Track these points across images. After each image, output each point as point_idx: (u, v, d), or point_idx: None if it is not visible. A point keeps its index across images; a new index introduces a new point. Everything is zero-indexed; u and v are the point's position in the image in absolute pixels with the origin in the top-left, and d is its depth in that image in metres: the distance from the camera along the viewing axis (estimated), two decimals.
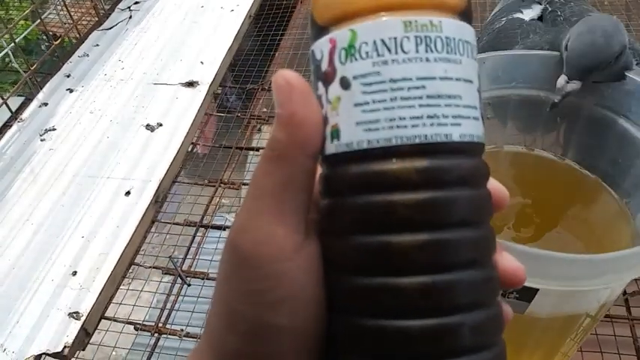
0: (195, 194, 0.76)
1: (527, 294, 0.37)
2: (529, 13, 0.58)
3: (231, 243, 0.19)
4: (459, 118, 0.19)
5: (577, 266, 0.34)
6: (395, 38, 0.18)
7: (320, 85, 0.20)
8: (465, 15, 0.20)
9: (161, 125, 0.81)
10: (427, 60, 0.18)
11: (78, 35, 1.00)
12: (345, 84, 0.19)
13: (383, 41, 0.18)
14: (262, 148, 0.80)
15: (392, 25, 0.18)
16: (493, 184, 0.21)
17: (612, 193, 0.48)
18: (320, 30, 0.20)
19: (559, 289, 0.36)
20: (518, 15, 0.58)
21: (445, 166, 0.18)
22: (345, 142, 0.19)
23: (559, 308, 0.39)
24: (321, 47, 0.19)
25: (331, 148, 0.19)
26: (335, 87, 0.19)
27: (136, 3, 1.08)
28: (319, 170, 0.20)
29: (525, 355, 0.46)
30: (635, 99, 0.45)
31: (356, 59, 0.18)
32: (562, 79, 0.42)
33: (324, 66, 0.19)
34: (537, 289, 0.36)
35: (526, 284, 0.36)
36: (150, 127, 0.81)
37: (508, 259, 0.21)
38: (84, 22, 1.06)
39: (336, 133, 0.19)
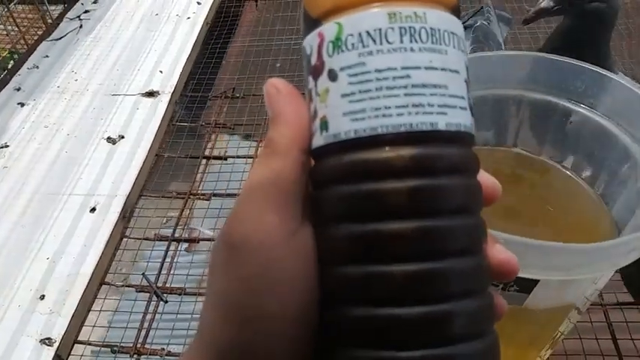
0: (164, 207, 0.74)
1: (527, 286, 0.38)
2: None
3: (224, 232, 0.20)
4: (444, 107, 0.19)
5: (578, 255, 0.35)
6: (380, 29, 0.19)
7: (310, 79, 0.20)
8: (451, 7, 0.20)
9: (123, 137, 0.78)
10: (412, 50, 0.19)
11: (26, 46, 0.95)
12: (332, 76, 0.19)
13: (368, 33, 0.19)
14: (231, 157, 0.79)
15: (377, 17, 0.19)
16: (485, 177, 0.21)
17: (587, 186, 0.50)
18: (309, 26, 0.20)
19: (559, 279, 0.37)
20: None
21: (431, 154, 0.19)
22: (333, 133, 0.19)
23: (555, 300, 0.40)
24: (310, 42, 0.20)
25: (320, 139, 0.20)
26: (323, 79, 0.19)
27: (86, 12, 1.04)
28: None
29: (515, 348, 0.47)
30: (608, 94, 0.47)
31: (342, 51, 0.19)
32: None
33: (314, 60, 0.20)
34: (537, 281, 0.37)
35: (526, 276, 0.37)
36: (111, 140, 0.78)
37: (500, 250, 0.21)
38: (30, 33, 1.01)
39: (324, 125, 0.19)
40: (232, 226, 0.19)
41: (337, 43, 0.19)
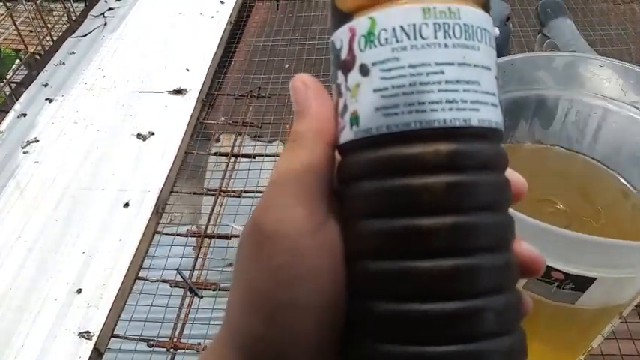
0: (195, 204, 0.74)
1: (583, 283, 0.38)
2: None
3: (254, 221, 0.20)
4: (477, 103, 0.19)
5: (634, 253, 0.36)
6: (414, 25, 0.19)
7: (339, 73, 0.20)
8: (482, 3, 0.20)
9: (153, 134, 0.79)
10: (446, 46, 0.19)
11: (51, 42, 0.96)
12: (364, 71, 0.19)
13: (402, 28, 0.19)
14: (259, 155, 0.80)
15: (411, 12, 0.19)
16: (511, 175, 0.22)
17: (629, 187, 0.50)
18: (339, 20, 0.20)
19: (615, 276, 0.37)
20: None
21: (464, 150, 0.19)
22: (364, 128, 0.19)
23: (606, 299, 0.41)
24: (340, 37, 0.20)
25: (350, 134, 0.20)
26: (354, 74, 0.19)
27: (110, 10, 1.04)
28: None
29: (560, 347, 0.48)
30: None
31: (375, 46, 0.19)
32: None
33: (344, 54, 0.20)
34: (595, 278, 0.37)
35: (583, 273, 0.38)
36: (141, 137, 0.78)
37: (527, 247, 0.21)
38: (55, 29, 1.01)
39: (355, 120, 0.19)
40: (261, 216, 0.20)
41: (370, 38, 0.19)
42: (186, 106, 0.83)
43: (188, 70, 0.90)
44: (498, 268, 0.19)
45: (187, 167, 0.79)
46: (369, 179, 0.19)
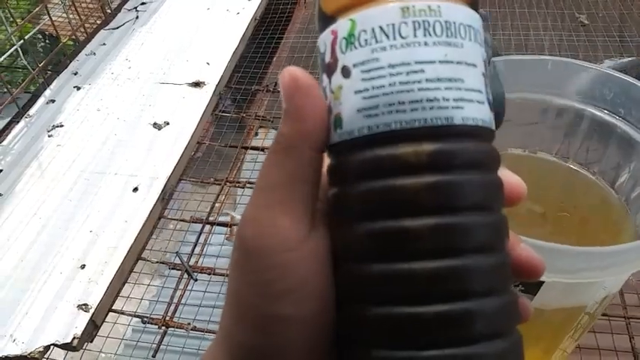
0: (201, 192, 0.77)
1: (532, 287, 0.39)
2: None
3: (239, 235, 0.19)
4: (460, 101, 0.18)
5: (582, 258, 0.36)
6: (393, 24, 0.18)
7: (324, 76, 0.20)
8: (469, 1, 0.20)
9: (168, 124, 0.83)
10: (426, 44, 0.18)
11: (85, 34, 1.01)
12: (346, 72, 0.19)
13: (381, 28, 0.18)
14: (268, 148, 0.82)
15: (390, 12, 0.18)
16: (509, 176, 0.21)
17: (613, 193, 0.50)
18: (323, 24, 0.20)
19: (564, 281, 0.38)
20: None
21: (447, 149, 0.18)
22: (347, 130, 0.19)
23: (562, 302, 0.41)
24: (324, 39, 0.20)
25: (335, 137, 0.19)
26: (337, 77, 0.19)
27: (143, 4, 1.09)
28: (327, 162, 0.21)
29: (525, 349, 0.48)
30: (634, 103, 0.47)
31: (355, 47, 0.19)
32: None
33: (327, 57, 0.20)
34: (542, 282, 0.38)
35: None
36: (157, 126, 0.82)
37: (525, 249, 0.21)
38: (90, 22, 1.07)
39: (339, 122, 0.19)
40: (245, 228, 0.19)
41: (350, 40, 0.19)
42: (203, 98, 0.87)
43: (208, 63, 0.93)
44: (488, 268, 0.19)
45: (198, 157, 0.82)
46: (353, 182, 0.19)
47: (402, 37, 0.18)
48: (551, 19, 1.00)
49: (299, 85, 0.19)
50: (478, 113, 0.19)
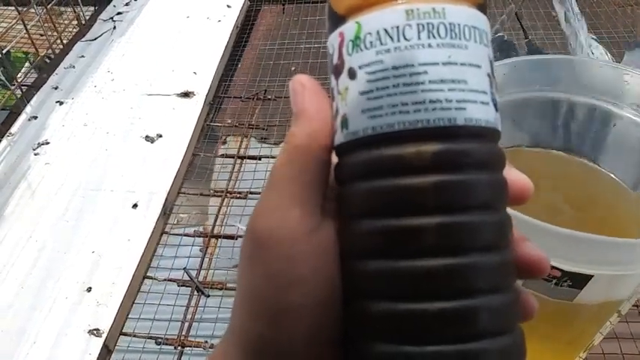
0: (202, 204, 0.75)
1: (581, 281, 0.39)
2: None
3: (250, 228, 0.20)
4: (463, 102, 0.19)
5: (632, 250, 0.36)
6: (397, 27, 0.19)
7: (332, 78, 0.21)
8: (476, 3, 0.20)
9: (161, 136, 0.80)
10: (429, 46, 0.19)
11: (62, 46, 0.97)
12: (352, 74, 0.20)
13: (386, 30, 0.19)
14: (265, 157, 0.81)
15: (394, 15, 0.19)
16: (516, 175, 0.22)
17: (625, 186, 0.51)
18: (332, 26, 0.21)
19: (612, 273, 0.38)
20: None
21: (450, 149, 0.19)
22: (352, 131, 0.19)
23: (604, 295, 0.42)
24: (332, 42, 0.21)
25: (341, 137, 0.20)
26: (344, 78, 0.20)
27: (119, 14, 1.06)
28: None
29: (560, 344, 0.48)
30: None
31: (361, 49, 0.19)
32: None
33: (335, 59, 0.20)
34: (591, 276, 0.38)
35: (580, 270, 0.38)
36: (149, 139, 0.80)
37: (531, 247, 0.21)
38: (66, 33, 1.03)
39: (345, 123, 0.20)
40: (257, 221, 0.20)
41: (356, 42, 0.19)
42: (194, 108, 0.85)
43: (195, 73, 0.91)
44: (491, 267, 0.19)
45: (194, 169, 0.80)
46: (358, 181, 0.19)
47: (406, 40, 0.19)
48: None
49: (306, 89, 0.21)
50: (482, 114, 0.19)
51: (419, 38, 0.19)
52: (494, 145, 0.20)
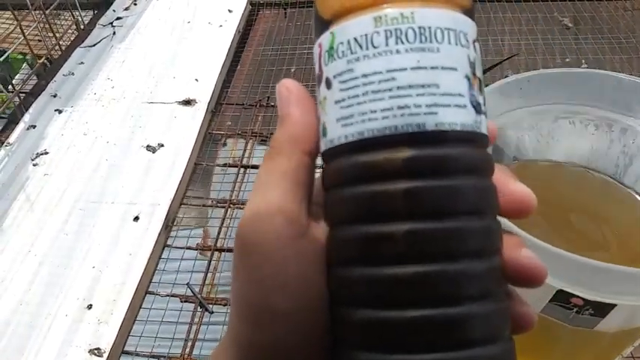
0: (205, 216, 0.74)
1: (603, 310, 0.38)
2: None
3: (238, 234, 0.20)
4: (434, 106, 0.18)
5: None
6: (366, 35, 0.19)
7: (316, 88, 0.21)
8: (460, 6, 0.19)
9: (162, 146, 0.79)
10: (397, 52, 0.18)
11: (60, 51, 0.96)
12: (328, 84, 0.20)
13: (355, 39, 0.19)
14: None
15: (363, 23, 0.19)
16: (518, 187, 0.21)
17: None
18: (315, 37, 0.21)
19: (636, 304, 0.37)
20: None
21: (420, 155, 0.18)
22: (330, 139, 0.20)
23: (626, 323, 0.40)
24: (314, 53, 0.21)
25: (322, 145, 0.20)
26: (322, 88, 0.20)
27: (118, 19, 1.04)
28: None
29: None
30: None
31: (334, 59, 0.19)
32: None
33: (316, 70, 0.21)
34: (615, 305, 0.37)
35: (604, 300, 0.37)
36: (151, 148, 0.78)
37: (527, 255, 0.20)
38: (64, 39, 1.01)
39: (324, 131, 0.20)
40: (243, 226, 0.20)
41: (331, 52, 0.20)
42: (196, 117, 0.83)
43: (197, 80, 0.90)
44: (475, 274, 0.18)
45: (197, 179, 0.78)
46: (337, 187, 0.20)
47: (374, 47, 0.19)
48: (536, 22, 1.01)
49: (292, 94, 0.21)
50: (457, 117, 0.19)
51: (387, 45, 0.19)
52: (474, 148, 0.19)
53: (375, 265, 0.18)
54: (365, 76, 0.19)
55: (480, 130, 0.19)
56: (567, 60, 0.93)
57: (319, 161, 0.22)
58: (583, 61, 0.92)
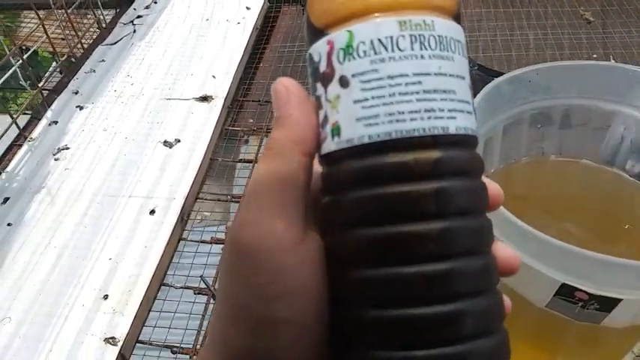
0: (220, 211, 0.75)
1: (608, 304, 0.37)
2: None
3: (232, 238, 0.19)
4: (454, 111, 0.19)
5: None
6: (391, 37, 0.19)
7: (319, 85, 0.21)
8: (455, 16, 0.21)
9: (179, 141, 0.80)
10: (422, 57, 0.19)
11: (82, 50, 0.98)
12: (344, 82, 0.20)
13: (380, 40, 0.19)
14: None
15: (388, 25, 0.19)
16: (489, 183, 0.22)
17: None
18: (317, 34, 0.21)
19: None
20: None
21: (444, 157, 0.19)
22: (346, 139, 0.19)
23: (634, 318, 0.40)
24: (319, 50, 0.20)
25: (332, 145, 0.20)
26: (334, 86, 0.20)
27: (139, 17, 1.06)
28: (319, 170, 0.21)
29: None
30: None
31: (354, 58, 0.19)
32: None
33: (323, 67, 0.20)
34: (620, 300, 0.36)
35: (608, 294, 0.37)
36: (168, 144, 0.80)
37: (502, 247, 0.21)
38: (86, 37, 1.03)
39: (336, 131, 0.20)
40: (241, 231, 0.19)
41: (348, 51, 0.19)
42: (212, 113, 0.84)
43: (214, 77, 0.91)
44: (478, 270, 0.19)
45: (213, 174, 0.79)
46: (352, 188, 0.19)
47: (400, 50, 0.19)
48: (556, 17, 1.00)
49: (291, 94, 0.21)
50: (467, 122, 0.20)
51: (412, 49, 0.19)
52: (476, 152, 0.21)
53: (407, 263, 0.18)
54: (391, 77, 0.19)
55: (478, 135, 0.21)
56: (594, 55, 0.91)
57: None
58: (611, 56, 0.90)
